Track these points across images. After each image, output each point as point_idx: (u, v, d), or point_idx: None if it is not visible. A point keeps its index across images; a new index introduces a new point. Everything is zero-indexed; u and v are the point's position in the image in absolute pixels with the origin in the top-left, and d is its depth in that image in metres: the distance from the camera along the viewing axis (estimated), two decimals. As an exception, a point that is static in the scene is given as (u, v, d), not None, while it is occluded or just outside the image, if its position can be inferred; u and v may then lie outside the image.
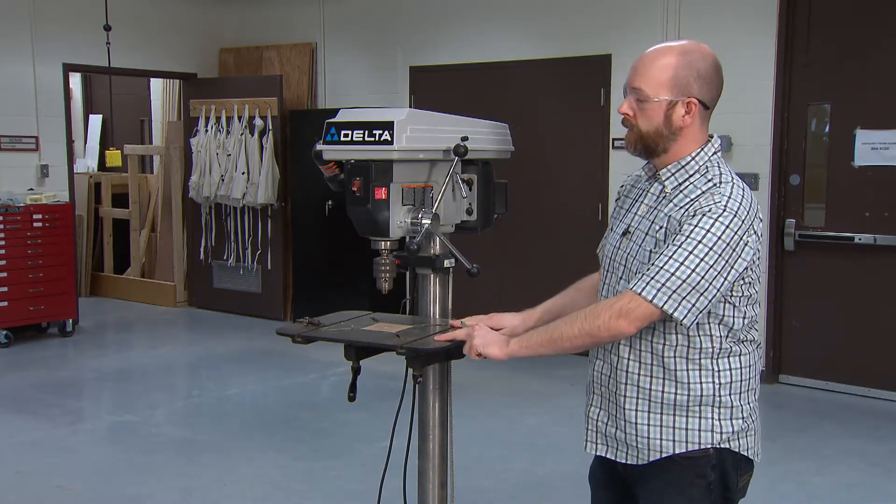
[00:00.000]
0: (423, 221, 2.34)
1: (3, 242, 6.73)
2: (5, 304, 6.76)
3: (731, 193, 1.92)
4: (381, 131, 2.22)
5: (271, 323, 7.67)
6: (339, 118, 2.33)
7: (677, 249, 1.88)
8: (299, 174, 7.71)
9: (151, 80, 9.70)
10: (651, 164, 2.09)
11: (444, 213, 2.44)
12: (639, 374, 2.01)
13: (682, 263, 1.87)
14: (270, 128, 7.71)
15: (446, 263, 2.45)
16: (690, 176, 2.00)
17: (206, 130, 7.98)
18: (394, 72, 7.49)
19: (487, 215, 2.63)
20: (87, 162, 10.32)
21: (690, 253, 1.86)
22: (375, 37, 7.60)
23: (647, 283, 1.89)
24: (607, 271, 2.12)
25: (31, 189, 7.18)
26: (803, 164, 5.83)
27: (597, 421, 2.12)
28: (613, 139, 6.42)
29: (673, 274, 1.87)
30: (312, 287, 7.72)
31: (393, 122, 2.23)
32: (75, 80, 10.22)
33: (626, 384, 2.03)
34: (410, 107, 6.85)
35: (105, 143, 10.32)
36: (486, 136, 2.58)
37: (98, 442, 4.88)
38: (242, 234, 8.08)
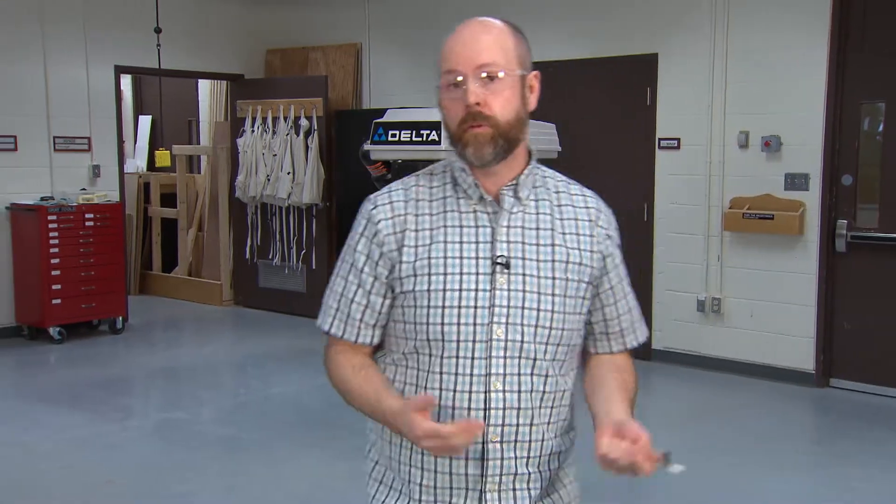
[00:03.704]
0: (469, 221, 2.33)
1: (56, 241, 6.87)
2: (59, 301, 6.90)
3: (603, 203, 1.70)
4: (428, 131, 2.23)
5: (315, 322, 7.71)
6: (387, 118, 2.34)
7: (625, 281, 1.70)
8: (344, 174, 7.76)
9: (199, 81, 9.84)
10: (479, 173, 1.57)
11: (490, 214, 2.44)
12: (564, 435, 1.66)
13: (630, 292, 1.73)
14: (316, 128, 7.77)
15: (492, 264, 2.44)
16: (536, 178, 1.64)
17: (253, 131, 8.07)
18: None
19: (533, 215, 2.61)
20: (137, 162, 10.51)
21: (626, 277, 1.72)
22: (420, 37, 7.61)
23: (640, 329, 1.73)
24: (498, 321, 1.52)
25: (84, 189, 7.33)
26: (856, 163, 5.70)
27: None
28: (660, 139, 6.36)
29: (635, 306, 1.74)
30: (356, 286, 7.74)
31: (440, 122, 2.23)
32: (126, 82, 10.41)
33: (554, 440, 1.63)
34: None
35: (154, 144, 10.50)
36: (532, 137, 2.57)
37: (146, 438, 4.96)
38: (287, 233, 8.16)
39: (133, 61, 7.60)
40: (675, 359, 6.34)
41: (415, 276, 1.53)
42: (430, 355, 1.54)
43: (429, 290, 1.52)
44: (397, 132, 2.30)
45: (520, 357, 1.53)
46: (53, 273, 6.85)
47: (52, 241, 6.82)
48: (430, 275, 1.52)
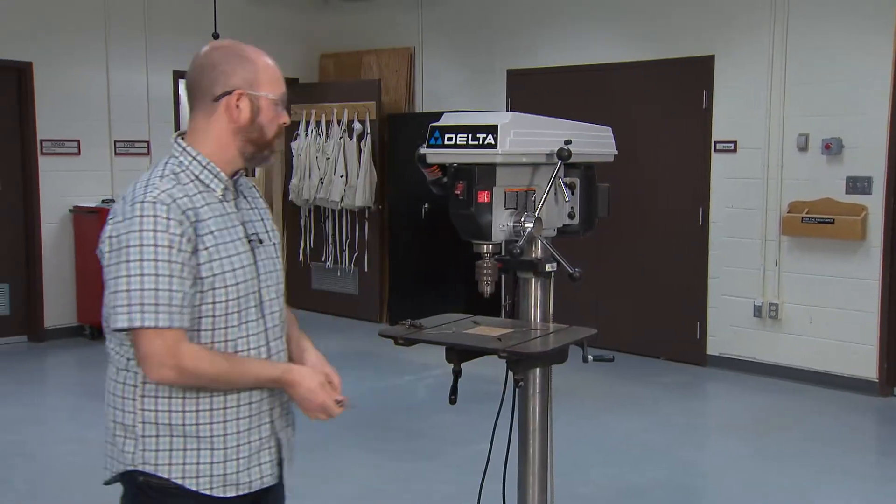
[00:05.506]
0: (526, 225, 2.33)
1: (116, 243, 7.01)
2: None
3: None
4: (485, 135, 2.22)
5: (367, 324, 7.77)
6: (444, 122, 2.34)
7: None
8: (396, 177, 7.80)
9: (255, 85, 9.96)
10: (227, 174, 1.91)
11: (547, 217, 2.43)
12: None
13: None
14: (369, 131, 7.82)
15: (548, 268, 2.43)
16: None
17: (307, 134, 8.16)
18: (491, 75, 7.49)
19: (589, 219, 2.60)
20: (194, 165, 10.69)
21: None
22: (473, 40, 7.62)
23: None
24: (264, 286, 1.93)
25: (143, 192, 7.46)
26: (921, 166, 5.55)
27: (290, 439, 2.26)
28: (716, 142, 6.27)
29: None
30: (408, 289, 7.79)
31: (497, 126, 2.23)
32: (183, 87, 10.60)
33: None
34: (507, 110, 6.84)
35: (210, 148, 10.67)
36: (589, 140, 2.56)
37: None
38: (340, 236, 8.23)
39: (191, 66, 7.73)
40: (731, 365, 6.23)
41: (211, 261, 1.82)
42: (227, 327, 1.86)
43: (223, 273, 1.83)
44: (453, 135, 2.30)
45: (279, 311, 1.98)
46: (114, 274, 6.99)
47: (112, 243, 6.97)
48: (221, 259, 1.83)
